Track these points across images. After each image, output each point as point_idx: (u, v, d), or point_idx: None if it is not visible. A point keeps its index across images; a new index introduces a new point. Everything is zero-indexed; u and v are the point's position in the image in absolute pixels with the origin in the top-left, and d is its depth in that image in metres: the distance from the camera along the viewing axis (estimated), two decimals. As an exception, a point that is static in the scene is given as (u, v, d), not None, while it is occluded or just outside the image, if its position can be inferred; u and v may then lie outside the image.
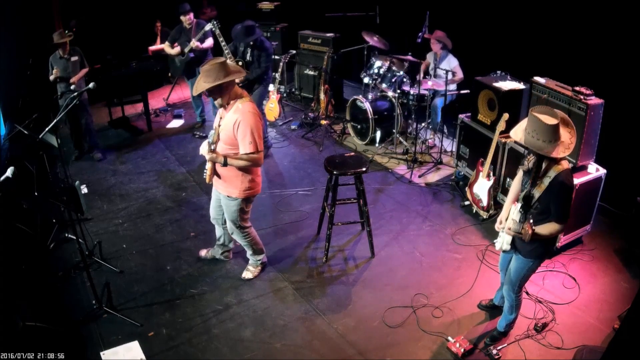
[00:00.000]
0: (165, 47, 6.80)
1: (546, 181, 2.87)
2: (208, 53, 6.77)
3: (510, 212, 3.17)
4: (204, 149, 3.62)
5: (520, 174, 3.20)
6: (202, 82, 3.46)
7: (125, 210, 5.23)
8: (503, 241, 3.23)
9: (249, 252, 4.24)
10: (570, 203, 2.96)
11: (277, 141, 6.85)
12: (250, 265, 4.28)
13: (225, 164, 3.59)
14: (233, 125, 3.52)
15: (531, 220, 2.90)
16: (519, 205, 3.05)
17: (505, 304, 3.48)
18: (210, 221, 4.27)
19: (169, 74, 8.23)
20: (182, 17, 6.60)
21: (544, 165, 2.89)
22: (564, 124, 2.86)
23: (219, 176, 3.77)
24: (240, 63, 5.85)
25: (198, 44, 6.46)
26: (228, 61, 3.54)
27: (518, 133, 2.94)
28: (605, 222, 4.85)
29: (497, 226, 3.29)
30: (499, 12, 5.99)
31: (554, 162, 2.87)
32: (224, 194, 3.82)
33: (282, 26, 8.48)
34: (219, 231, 4.30)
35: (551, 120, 2.76)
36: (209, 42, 6.60)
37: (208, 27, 6.24)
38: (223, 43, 5.96)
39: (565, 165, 2.89)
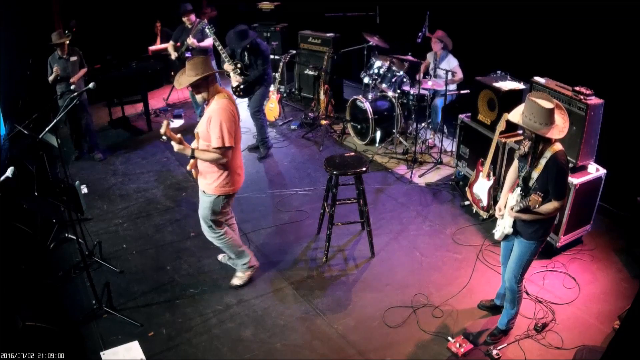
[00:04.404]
0: (169, 46, 6.84)
1: (542, 162, 3.04)
2: (208, 52, 6.77)
3: (509, 199, 3.29)
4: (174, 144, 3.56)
5: (515, 163, 3.33)
6: (187, 76, 3.46)
7: (125, 210, 5.23)
8: (505, 225, 3.31)
9: (232, 256, 4.09)
10: (566, 180, 3.13)
11: (277, 141, 6.84)
12: (239, 271, 4.13)
13: (192, 156, 3.56)
14: (207, 120, 3.52)
15: (538, 192, 2.96)
16: (517, 189, 3.22)
17: (507, 297, 3.49)
18: None
19: (172, 73, 8.22)
20: (183, 18, 6.63)
21: (540, 147, 3.04)
22: (559, 109, 3.03)
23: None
24: (239, 65, 5.86)
25: (194, 41, 6.49)
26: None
27: (516, 116, 3.09)
28: (605, 222, 4.85)
29: (497, 213, 3.39)
30: (499, 12, 5.99)
31: (549, 144, 3.03)
32: (201, 188, 3.80)
33: (282, 26, 8.47)
34: None
35: (547, 105, 2.93)
36: (208, 42, 6.60)
37: (201, 26, 6.23)
38: (220, 47, 5.96)
39: (559, 146, 3.05)
